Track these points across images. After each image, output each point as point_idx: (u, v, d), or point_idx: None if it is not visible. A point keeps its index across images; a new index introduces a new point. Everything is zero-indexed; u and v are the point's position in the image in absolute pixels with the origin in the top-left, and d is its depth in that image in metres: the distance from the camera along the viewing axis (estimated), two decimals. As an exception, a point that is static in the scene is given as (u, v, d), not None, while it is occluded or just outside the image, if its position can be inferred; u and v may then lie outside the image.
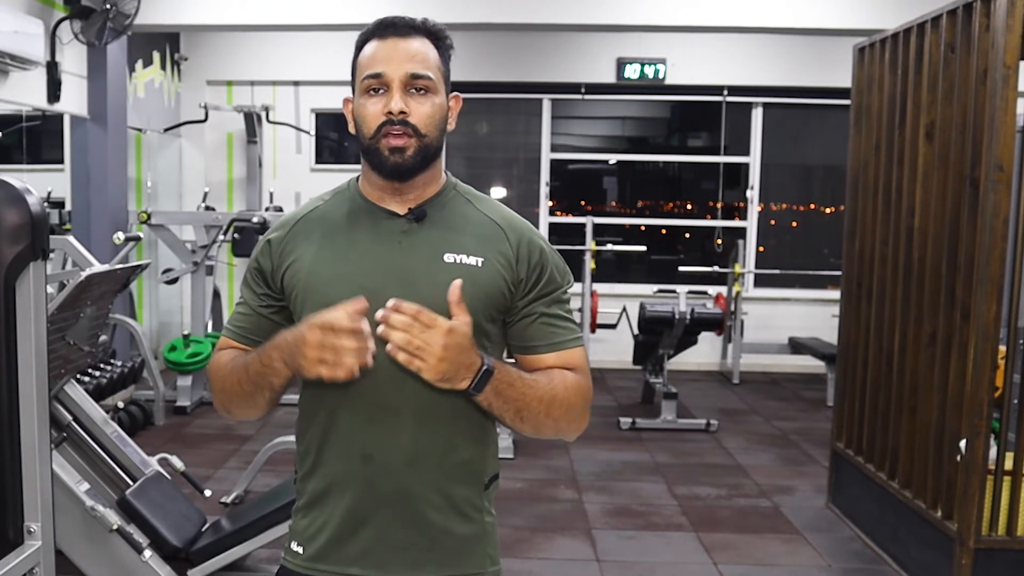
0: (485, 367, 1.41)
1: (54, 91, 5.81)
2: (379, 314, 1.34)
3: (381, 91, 1.48)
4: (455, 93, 1.57)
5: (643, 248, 8.11)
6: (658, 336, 6.46)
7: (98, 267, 3.57)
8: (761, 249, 8.70)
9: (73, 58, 6.05)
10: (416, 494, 1.51)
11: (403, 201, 1.54)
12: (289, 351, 1.40)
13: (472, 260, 1.51)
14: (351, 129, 1.55)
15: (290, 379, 1.46)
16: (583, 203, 9.03)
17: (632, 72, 8.15)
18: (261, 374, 1.47)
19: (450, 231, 1.53)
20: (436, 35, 1.53)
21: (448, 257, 1.50)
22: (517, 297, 1.54)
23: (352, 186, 1.60)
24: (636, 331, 6.80)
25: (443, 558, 1.54)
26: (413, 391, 1.46)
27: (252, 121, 7.92)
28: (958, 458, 3.46)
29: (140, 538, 3.15)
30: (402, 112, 1.46)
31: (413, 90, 1.48)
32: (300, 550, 1.58)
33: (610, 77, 8.22)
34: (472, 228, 1.55)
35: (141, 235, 5.68)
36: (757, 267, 8.54)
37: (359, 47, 1.53)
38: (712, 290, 7.69)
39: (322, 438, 1.54)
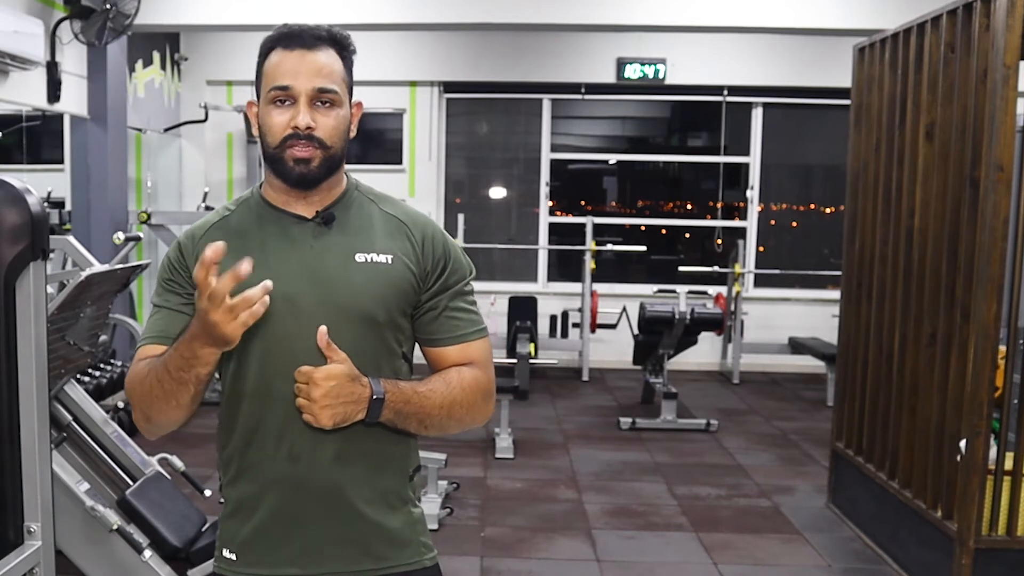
0: (375, 396, 1.47)
1: (54, 91, 5.81)
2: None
3: (288, 103, 1.51)
4: (357, 101, 1.59)
5: (643, 248, 8.12)
6: (658, 336, 6.46)
7: (98, 267, 3.56)
8: (761, 249, 8.70)
9: (73, 58, 6.04)
10: (347, 489, 1.54)
11: (309, 204, 1.57)
12: (208, 335, 1.38)
13: (382, 258, 1.55)
14: (254, 133, 1.57)
15: (215, 365, 1.45)
16: (583, 203, 9.03)
17: (632, 72, 8.15)
18: (183, 367, 1.44)
19: (359, 231, 1.57)
20: (341, 44, 1.56)
21: (360, 257, 1.54)
22: (423, 290, 1.59)
23: (256, 194, 1.62)
24: (636, 331, 6.80)
25: (380, 551, 1.58)
26: None
27: (252, 121, 7.91)
28: (958, 458, 3.46)
29: (140, 538, 3.15)
30: (309, 127, 1.49)
31: (319, 103, 1.51)
32: (233, 556, 1.59)
33: (610, 77, 8.22)
34: (378, 227, 1.59)
35: (141, 235, 5.68)
36: (757, 267, 8.54)
37: (264, 54, 1.54)
38: (712, 290, 7.70)
39: (246, 444, 1.55)
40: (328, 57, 1.53)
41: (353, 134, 1.59)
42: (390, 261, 1.55)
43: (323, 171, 1.53)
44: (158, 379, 1.48)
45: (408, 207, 1.66)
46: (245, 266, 1.33)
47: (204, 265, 1.32)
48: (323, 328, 1.45)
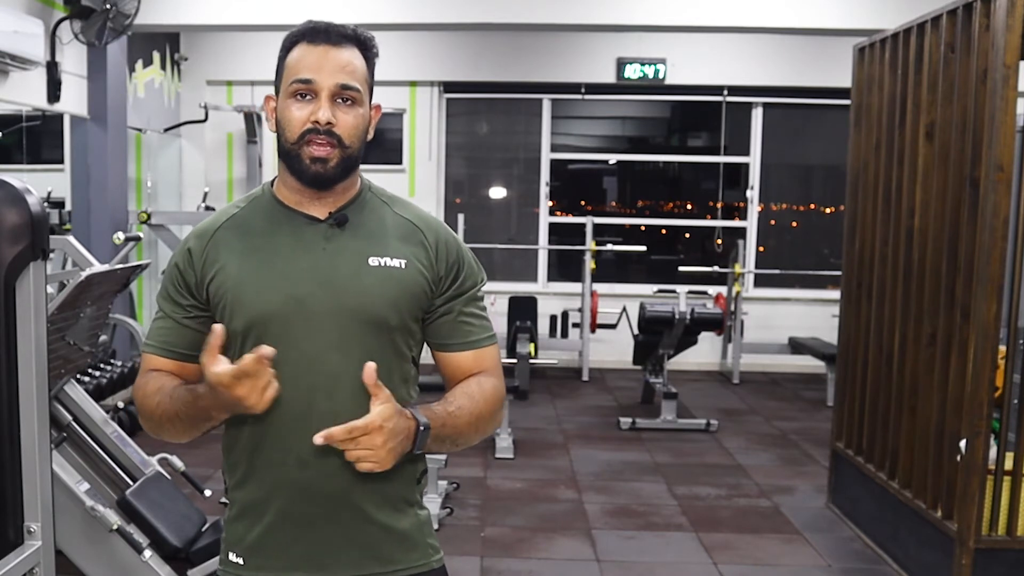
0: (421, 428, 1.45)
1: (54, 91, 5.81)
2: (317, 440, 1.37)
3: (308, 97, 1.49)
4: (376, 103, 1.58)
5: (643, 248, 8.12)
6: (658, 336, 6.46)
7: (98, 267, 3.56)
8: (761, 249, 8.70)
9: (73, 58, 6.04)
10: (355, 493, 1.53)
11: (323, 205, 1.55)
12: (229, 407, 1.42)
13: (396, 262, 1.54)
14: (271, 128, 1.56)
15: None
16: (583, 203, 9.04)
17: (632, 72, 8.15)
18: (198, 418, 1.49)
19: (372, 234, 1.55)
20: (365, 44, 1.54)
21: (373, 261, 1.53)
22: (436, 295, 1.57)
23: (267, 191, 1.60)
24: (636, 331, 6.80)
25: (387, 554, 1.57)
26: (345, 397, 1.49)
27: (252, 121, 7.92)
28: (958, 458, 3.46)
29: (140, 538, 3.15)
30: (329, 123, 1.48)
31: (340, 100, 1.49)
32: (240, 560, 1.58)
33: (610, 77, 8.22)
34: (392, 230, 1.57)
35: (141, 235, 5.68)
36: (757, 267, 8.54)
37: (287, 47, 1.53)
38: (712, 290, 7.70)
39: (253, 448, 1.54)
40: (352, 55, 1.51)
41: (370, 136, 1.57)
42: (403, 266, 1.54)
43: (339, 171, 1.51)
44: (169, 418, 1.51)
45: (421, 210, 1.64)
46: (266, 350, 1.36)
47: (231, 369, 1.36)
48: (371, 365, 1.39)
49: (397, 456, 1.42)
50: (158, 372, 1.56)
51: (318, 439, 1.37)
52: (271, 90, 1.57)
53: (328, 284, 1.50)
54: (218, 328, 1.39)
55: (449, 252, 1.59)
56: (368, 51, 1.55)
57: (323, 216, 1.54)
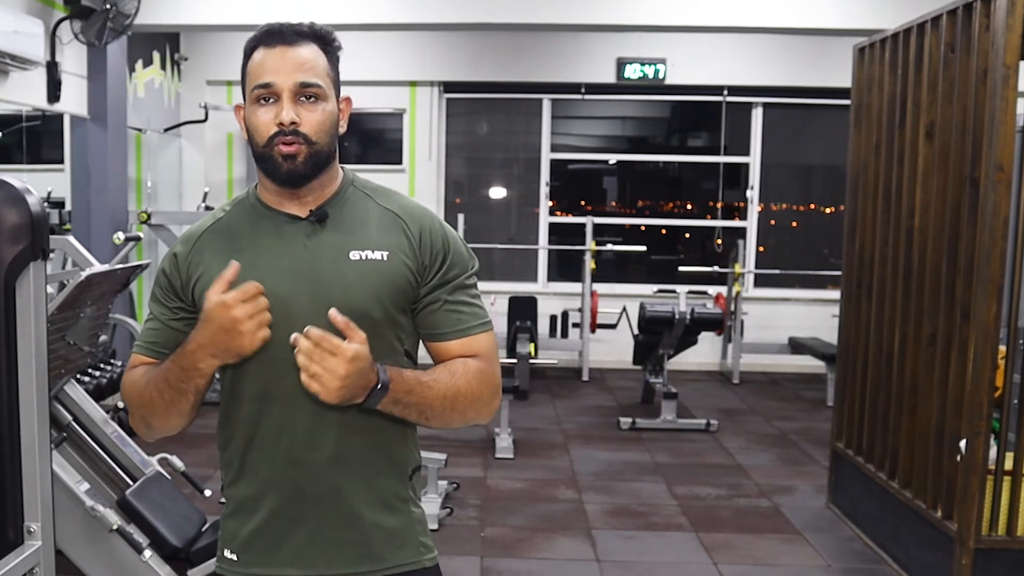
0: (379, 384, 1.43)
1: (54, 91, 5.81)
2: (292, 337, 1.38)
3: (271, 100, 1.49)
4: (345, 96, 1.58)
5: (643, 248, 8.13)
6: (658, 336, 6.46)
7: (98, 267, 3.56)
8: (761, 249, 8.70)
9: (73, 58, 6.04)
10: (345, 491, 1.54)
11: (302, 204, 1.55)
12: (219, 342, 1.42)
13: (377, 255, 1.53)
14: (243, 136, 1.56)
15: (212, 377, 1.48)
16: (583, 203, 9.03)
17: (632, 72, 8.15)
18: (183, 379, 1.47)
19: (353, 228, 1.55)
20: (324, 39, 1.54)
21: (354, 255, 1.52)
22: (421, 285, 1.56)
23: (251, 194, 1.61)
24: (636, 331, 6.80)
25: (378, 552, 1.57)
26: None
27: (252, 121, 7.91)
28: (958, 458, 3.46)
29: (140, 538, 3.15)
30: (293, 123, 1.48)
31: (303, 98, 1.50)
32: (234, 557, 1.59)
33: (610, 77, 8.22)
34: (374, 222, 1.56)
35: (141, 235, 5.67)
36: (757, 267, 8.54)
37: (247, 54, 1.54)
38: (712, 290, 7.70)
39: (246, 446, 1.55)
40: (310, 52, 1.51)
41: (343, 130, 1.57)
42: (386, 257, 1.53)
43: (310, 167, 1.51)
44: (158, 390, 1.51)
45: (406, 200, 1.63)
46: (233, 268, 1.41)
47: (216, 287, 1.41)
48: (333, 310, 1.39)
49: (345, 397, 1.39)
50: (144, 364, 1.59)
51: (295, 336, 1.38)
52: None
53: (310, 280, 1.51)
54: (235, 264, 1.42)
55: (434, 241, 1.57)
56: (328, 45, 1.55)
57: (303, 214, 1.55)
